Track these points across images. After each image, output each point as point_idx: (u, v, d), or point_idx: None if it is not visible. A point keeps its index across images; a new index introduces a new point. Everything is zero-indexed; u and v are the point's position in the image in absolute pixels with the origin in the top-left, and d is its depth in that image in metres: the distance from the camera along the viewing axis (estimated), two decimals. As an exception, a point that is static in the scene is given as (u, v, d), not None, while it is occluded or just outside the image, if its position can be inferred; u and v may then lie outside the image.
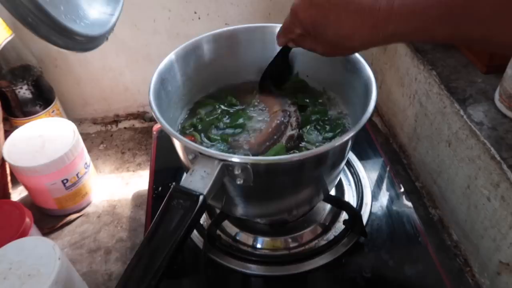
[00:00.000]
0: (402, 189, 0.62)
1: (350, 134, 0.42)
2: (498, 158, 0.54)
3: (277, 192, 0.47)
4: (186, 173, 0.57)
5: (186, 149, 0.43)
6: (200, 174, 0.40)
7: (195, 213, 0.37)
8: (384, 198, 0.61)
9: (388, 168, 0.66)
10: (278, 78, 0.60)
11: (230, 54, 0.59)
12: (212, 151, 0.40)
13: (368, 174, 0.64)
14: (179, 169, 0.69)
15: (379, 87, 0.92)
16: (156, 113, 0.44)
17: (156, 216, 0.37)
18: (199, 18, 0.85)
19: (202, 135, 0.54)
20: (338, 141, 0.41)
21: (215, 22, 0.86)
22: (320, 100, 0.59)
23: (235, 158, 0.40)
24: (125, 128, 0.97)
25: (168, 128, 0.42)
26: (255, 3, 0.84)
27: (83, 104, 0.96)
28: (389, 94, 0.88)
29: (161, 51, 0.90)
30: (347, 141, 0.43)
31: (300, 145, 0.52)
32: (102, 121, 0.98)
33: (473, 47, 0.69)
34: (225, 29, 0.57)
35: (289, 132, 0.51)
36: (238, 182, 0.42)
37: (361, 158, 0.68)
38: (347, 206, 0.55)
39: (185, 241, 0.37)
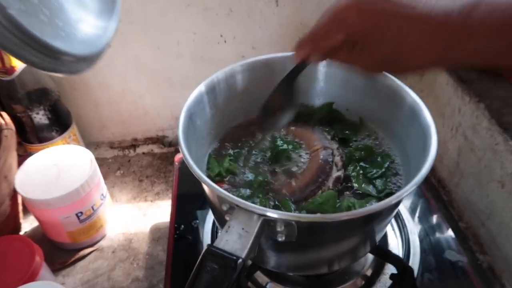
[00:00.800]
0: (454, 238, 0.55)
1: (409, 189, 0.36)
2: None
3: (320, 247, 0.41)
4: (216, 219, 0.52)
5: (220, 199, 0.37)
6: (237, 232, 0.34)
7: (233, 282, 0.31)
8: (434, 246, 0.55)
9: (434, 211, 0.59)
10: (277, 110, 0.50)
11: (264, 83, 0.53)
12: (251, 205, 0.35)
13: (412, 217, 0.58)
14: (203, 204, 0.64)
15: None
16: (188, 159, 0.39)
17: (187, 284, 0.31)
18: (225, 42, 0.80)
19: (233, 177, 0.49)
20: (396, 198, 0.35)
21: (242, 45, 0.81)
22: (361, 136, 0.53)
23: (279, 214, 0.34)
24: (143, 153, 0.92)
25: (202, 176, 0.37)
26: (284, 26, 0.80)
27: (100, 128, 0.92)
28: (427, 123, 0.82)
29: (183, 75, 0.87)
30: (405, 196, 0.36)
31: (347, 189, 0.46)
32: (119, 145, 0.94)
33: None
34: (259, 58, 0.52)
35: (335, 173, 0.45)
36: (280, 239, 0.36)
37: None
38: (393, 259, 0.49)
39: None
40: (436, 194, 0.78)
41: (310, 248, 0.41)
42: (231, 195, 0.36)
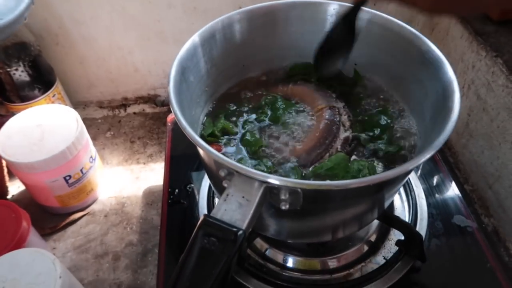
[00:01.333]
0: (463, 201, 0.53)
1: (427, 155, 0.32)
2: None
3: (325, 216, 0.38)
4: (212, 184, 0.48)
5: (217, 164, 0.33)
6: (237, 201, 0.30)
7: (233, 256, 0.28)
8: (442, 211, 0.52)
9: (443, 174, 0.56)
10: (337, 53, 0.44)
11: (265, 35, 0.48)
12: (252, 170, 0.31)
13: (421, 182, 0.55)
14: (198, 167, 0.60)
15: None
16: (180, 119, 0.35)
17: (181, 259, 0.28)
18: (219, -11, 0.73)
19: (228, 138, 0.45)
20: (413, 164, 0.31)
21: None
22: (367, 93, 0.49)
23: (284, 181, 0.30)
24: (134, 113, 0.88)
25: (196, 138, 0.33)
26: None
27: (87, 86, 0.86)
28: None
29: (175, 28, 0.80)
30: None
31: (355, 150, 0.42)
32: (109, 104, 0.89)
33: None
34: (260, 5, 0.46)
35: (343, 134, 0.41)
36: (283, 207, 0.33)
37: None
38: (401, 224, 0.46)
39: (219, 291, 0.28)
40: (442, 156, 0.74)
41: (314, 216, 0.38)
42: (229, 160, 0.32)
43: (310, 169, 0.40)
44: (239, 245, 0.28)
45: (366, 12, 0.46)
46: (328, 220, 0.39)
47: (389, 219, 0.47)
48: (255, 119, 0.47)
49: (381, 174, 0.30)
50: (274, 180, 0.30)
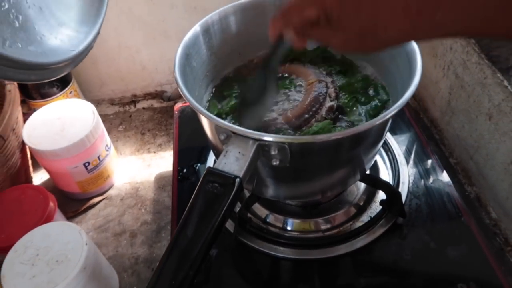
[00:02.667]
0: (440, 166, 0.59)
1: (395, 110, 0.38)
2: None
3: (313, 173, 0.44)
4: (215, 154, 0.55)
5: (217, 128, 0.40)
6: (234, 156, 0.37)
7: (232, 197, 0.34)
8: (421, 175, 0.58)
9: (423, 144, 0.62)
10: (255, 103, 0.45)
11: (257, 25, 0.55)
12: (246, 130, 0.37)
13: (403, 151, 0.61)
14: (203, 149, 0.67)
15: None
16: (184, 90, 0.41)
17: (190, 202, 0.35)
18: (217, -10, 0.80)
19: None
20: (382, 117, 0.37)
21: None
22: (351, 70, 0.55)
23: (272, 137, 0.37)
24: (143, 108, 0.95)
25: (197, 105, 0.40)
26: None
27: (100, 85, 0.93)
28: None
29: (178, 27, 0.87)
30: (390, 117, 0.39)
31: (341, 118, 0.48)
32: (120, 101, 0.96)
33: None
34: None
35: (328, 103, 0.48)
36: (274, 163, 0.39)
37: (393, 133, 0.64)
38: (384, 185, 0.52)
39: (222, 228, 0.35)
40: (428, 133, 0.80)
41: (303, 174, 0.44)
42: (227, 123, 0.38)
43: (299, 132, 0.46)
44: (237, 189, 0.35)
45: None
46: (316, 179, 0.45)
47: (373, 181, 0.53)
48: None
49: (354, 128, 0.36)
50: (265, 137, 0.37)
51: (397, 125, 0.66)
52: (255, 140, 0.37)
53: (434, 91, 0.79)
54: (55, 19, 0.41)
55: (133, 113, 0.93)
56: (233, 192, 0.34)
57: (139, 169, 0.80)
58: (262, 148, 0.38)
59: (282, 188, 0.47)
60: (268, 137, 0.37)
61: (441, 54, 0.75)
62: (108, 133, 0.87)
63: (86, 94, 0.91)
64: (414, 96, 0.88)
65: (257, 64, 0.59)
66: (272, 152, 0.38)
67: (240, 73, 0.58)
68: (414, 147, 0.62)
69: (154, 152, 0.84)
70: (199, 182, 0.36)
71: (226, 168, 0.36)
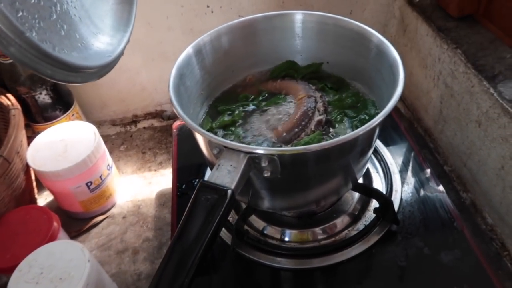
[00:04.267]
0: (432, 173, 0.60)
1: (379, 119, 0.40)
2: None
3: (305, 183, 0.46)
4: (211, 169, 0.56)
5: (210, 143, 0.42)
6: (226, 169, 0.38)
7: (225, 208, 0.36)
8: (414, 183, 0.59)
9: (415, 153, 0.64)
10: None
11: (247, 45, 0.57)
12: (237, 144, 0.39)
13: (395, 160, 0.62)
14: (202, 165, 0.68)
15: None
16: (178, 109, 0.43)
17: (185, 213, 0.36)
18: (212, 12, 0.84)
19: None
20: (368, 127, 0.39)
21: (229, 14, 0.84)
22: (343, 86, 0.57)
23: (262, 150, 0.39)
24: (144, 128, 0.97)
25: (191, 122, 0.42)
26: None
27: (101, 106, 0.96)
28: (411, 76, 0.85)
29: (176, 48, 0.90)
30: (376, 127, 0.41)
31: (330, 131, 0.50)
32: (121, 122, 0.98)
33: None
34: (242, 19, 0.56)
35: (317, 117, 0.50)
36: (266, 175, 0.41)
37: (387, 144, 0.66)
38: (376, 194, 0.53)
39: (216, 237, 0.36)
40: (423, 142, 0.82)
41: (296, 186, 0.45)
42: (219, 138, 0.40)
43: (290, 145, 0.48)
44: (230, 200, 0.36)
45: (333, 18, 0.55)
46: (309, 189, 0.47)
47: (365, 189, 0.54)
48: (248, 110, 0.56)
49: (339, 138, 0.38)
50: (253, 150, 0.38)
51: (390, 135, 0.68)
52: (246, 153, 0.39)
53: (426, 101, 0.81)
54: (93, 27, 0.45)
55: (134, 133, 0.96)
56: (226, 203, 0.36)
57: (140, 187, 0.82)
58: (253, 161, 0.40)
59: (276, 200, 0.49)
60: (258, 150, 0.38)
61: (431, 64, 0.77)
62: (110, 153, 0.89)
63: (88, 116, 0.94)
64: (408, 106, 0.90)
65: (250, 81, 0.62)
66: (263, 164, 0.39)
67: (234, 90, 0.61)
68: (407, 156, 0.64)
69: (155, 170, 0.86)
70: (193, 194, 0.37)
71: (218, 180, 0.38)
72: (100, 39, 0.45)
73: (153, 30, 0.84)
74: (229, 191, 0.37)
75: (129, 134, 0.96)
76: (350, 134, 0.38)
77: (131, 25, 0.51)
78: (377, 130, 0.46)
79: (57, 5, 0.38)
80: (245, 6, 0.84)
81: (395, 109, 0.91)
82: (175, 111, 0.44)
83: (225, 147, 0.40)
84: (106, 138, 0.94)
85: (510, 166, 0.58)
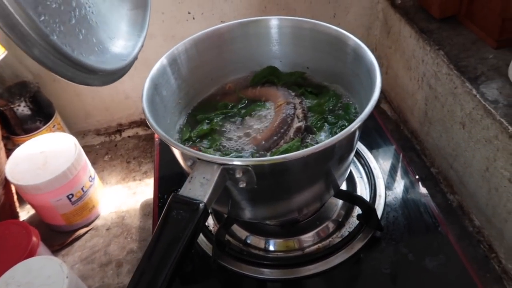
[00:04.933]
0: (417, 177, 0.59)
1: (356, 125, 0.39)
2: (518, 137, 0.51)
3: (283, 192, 0.45)
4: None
5: (183, 155, 0.40)
6: (199, 181, 0.37)
7: (196, 222, 0.35)
8: (398, 188, 0.58)
9: (400, 156, 0.63)
10: None
11: (224, 52, 0.56)
12: (209, 156, 0.38)
13: (380, 164, 0.62)
14: (183, 175, 0.67)
15: (385, 73, 0.88)
16: (150, 120, 0.42)
17: (155, 229, 0.35)
18: (193, 18, 0.83)
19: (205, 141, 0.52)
20: (344, 134, 0.38)
21: (210, 20, 0.83)
22: (324, 91, 0.57)
23: (235, 161, 0.37)
24: (129, 136, 0.96)
25: (162, 134, 0.40)
26: (250, -3, 0.82)
27: (85, 116, 0.95)
28: (396, 79, 0.85)
29: (158, 56, 0.88)
30: (353, 132, 0.40)
31: (309, 137, 0.49)
32: (105, 131, 0.97)
33: None
34: (216, 27, 0.55)
35: (296, 124, 0.49)
36: (241, 186, 0.40)
37: (371, 147, 0.65)
38: (359, 200, 0.52)
39: (189, 253, 0.35)
40: (410, 145, 0.81)
41: (275, 195, 0.44)
42: (191, 149, 0.39)
43: (269, 154, 0.47)
44: (201, 214, 0.35)
45: (309, 22, 0.54)
46: (287, 197, 0.45)
47: (348, 196, 0.53)
48: (227, 118, 0.55)
49: (314, 147, 0.37)
50: (227, 161, 0.37)
51: (374, 139, 0.67)
52: (219, 164, 0.38)
53: (412, 103, 0.80)
54: (109, 32, 0.46)
55: (118, 142, 0.94)
56: (197, 217, 0.35)
57: (125, 197, 0.81)
58: (227, 172, 0.39)
59: (256, 210, 0.48)
60: (231, 161, 0.37)
61: (415, 66, 0.76)
62: (94, 163, 0.88)
63: (72, 126, 0.92)
64: (394, 109, 0.89)
65: (229, 89, 0.61)
66: (238, 175, 0.38)
67: (213, 98, 0.60)
68: (392, 159, 0.63)
69: (140, 180, 0.84)
70: (165, 208, 0.36)
71: (191, 193, 0.37)
72: (116, 44, 0.47)
73: (134, 38, 0.83)
74: (201, 205, 0.35)
75: (114, 144, 0.94)
76: (326, 142, 0.37)
77: (146, 30, 0.53)
78: (357, 135, 0.45)
79: (76, 10, 0.39)
80: (226, 12, 0.83)
81: (380, 112, 0.91)
82: (148, 123, 0.42)
83: (198, 158, 0.39)
84: (90, 148, 0.93)
85: (495, 168, 0.57)
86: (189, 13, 0.82)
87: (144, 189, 0.82)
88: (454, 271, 0.48)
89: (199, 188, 0.37)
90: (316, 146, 0.37)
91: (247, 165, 0.37)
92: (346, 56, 0.50)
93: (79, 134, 0.96)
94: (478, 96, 0.58)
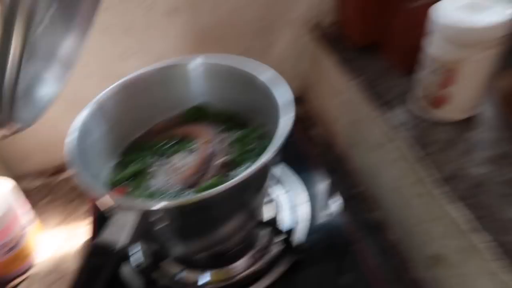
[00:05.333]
0: (341, 198, 0.64)
1: (257, 165, 0.43)
2: (418, 156, 0.57)
3: (197, 229, 0.48)
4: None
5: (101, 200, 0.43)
6: (117, 225, 0.40)
7: (113, 266, 0.37)
8: (322, 210, 0.63)
9: (326, 179, 0.68)
10: None
11: (150, 96, 0.60)
12: (126, 200, 0.41)
13: (306, 189, 0.66)
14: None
15: (314, 100, 0.94)
16: (72, 165, 0.44)
17: (72, 279, 0.37)
18: (131, 56, 0.85)
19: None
20: (242, 177, 0.42)
21: (147, 58, 0.86)
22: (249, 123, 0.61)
23: (154, 206, 0.40)
24: (70, 177, 0.95)
25: (82, 178, 0.43)
26: (185, 34, 0.86)
27: (23, 158, 0.93)
28: (324, 106, 0.91)
29: (96, 95, 0.90)
30: (259, 171, 0.43)
31: (232, 170, 0.53)
32: (45, 173, 0.96)
33: None
34: (135, 74, 0.59)
35: (218, 160, 0.52)
36: (161, 225, 0.42)
37: (299, 172, 0.69)
38: (274, 228, 0.56)
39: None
40: (336, 168, 0.86)
41: (193, 230, 0.47)
42: (107, 195, 0.41)
43: (195, 189, 0.51)
44: (118, 259, 0.37)
45: (226, 59, 0.59)
46: (207, 231, 0.49)
47: (265, 225, 0.58)
48: (156, 158, 0.58)
49: (214, 189, 0.40)
50: (143, 207, 0.40)
51: (301, 163, 0.71)
52: (135, 208, 0.40)
53: (337, 128, 0.86)
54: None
55: (59, 183, 0.94)
56: (113, 262, 0.37)
57: (64, 240, 0.80)
58: (145, 215, 0.41)
59: (178, 246, 0.50)
60: (149, 206, 0.40)
61: (338, 93, 0.83)
62: (34, 206, 0.86)
63: (10, 169, 0.91)
64: (322, 134, 0.94)
65: (161, 128, 0.64)
66: (155, 217, 0.41)
67: (144, 139, 0.62)
68: (317, 183, 0.68)
69: (81, 221, 0.84)
70: (82, 255, 0.38)
71: (109, 238, 0.39)
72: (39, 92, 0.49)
73: (73, 77, 0.84)
74: (116, 250, 0.38)
75: (54, 185, 0.93)
76: (224, 185, 0.41)
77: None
78: (265, 172, 0.49)
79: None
80: (163, 49, 0.86)
81: (309, 137, 0.95)
82: (69, 170, 0.44)
83: (117, 204, 0.41)
84: (29, 192, 0.91)
85: (406, 185, 0.63)
86: (125, 52, 0.84)
87: (84, 230, 0.81)
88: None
89: (115, 234, 0.39)
90: (220, 187, 0.40)
91: (161, 209, 0.40)
92: (258, 92, 0.54)
93: (17, 177, 0.94)
94: (385, 121, 0.64)
